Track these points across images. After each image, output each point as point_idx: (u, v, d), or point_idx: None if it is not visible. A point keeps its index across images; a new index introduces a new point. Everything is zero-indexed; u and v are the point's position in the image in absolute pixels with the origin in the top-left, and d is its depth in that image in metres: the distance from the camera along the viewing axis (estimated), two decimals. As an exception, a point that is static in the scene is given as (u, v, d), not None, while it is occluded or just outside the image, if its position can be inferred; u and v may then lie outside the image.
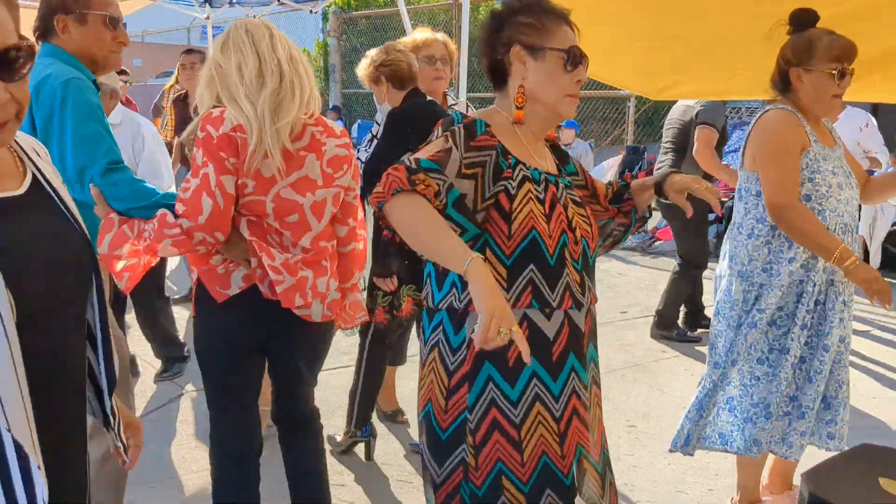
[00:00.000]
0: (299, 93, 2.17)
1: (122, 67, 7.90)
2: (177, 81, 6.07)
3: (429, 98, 3.23)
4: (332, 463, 3.33)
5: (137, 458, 1.53)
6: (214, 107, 2.18)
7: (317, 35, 15.18)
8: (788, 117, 2.48)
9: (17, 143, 1.27)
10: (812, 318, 2.52)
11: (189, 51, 5.65)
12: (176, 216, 2.08)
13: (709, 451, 3.44)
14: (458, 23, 9.30)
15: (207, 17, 8.18)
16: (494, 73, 1.80)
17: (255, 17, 7.94)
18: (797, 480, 2.82)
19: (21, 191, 1.21)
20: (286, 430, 2.53)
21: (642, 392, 4.16)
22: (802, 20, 2.48)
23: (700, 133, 4.58)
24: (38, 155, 1.33)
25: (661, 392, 4.17)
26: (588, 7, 2.73)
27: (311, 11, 7.18)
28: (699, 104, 4.66)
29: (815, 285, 2.50)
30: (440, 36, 3.40)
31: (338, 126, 2.35)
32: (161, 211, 2.09)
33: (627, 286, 5.65)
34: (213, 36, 8.64)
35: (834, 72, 2.41)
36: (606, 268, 7.16)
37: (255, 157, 2.10)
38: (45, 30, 2.28)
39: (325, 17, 14.06)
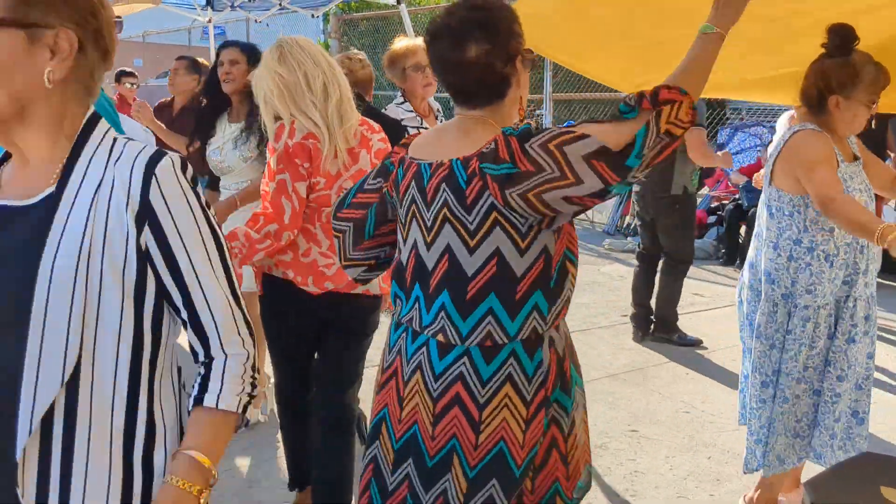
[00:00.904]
0: (351, 101, 2.52)
1: (127, 69, 7.89)
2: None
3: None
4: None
5: None
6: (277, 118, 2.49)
7: (318, 36, 15.20)
8: (820, 136, 2.50)
9: (85, 146, 1.16)
10: (851, 332, 2.58)
11: (179, 57, 5.39)
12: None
13: (710, 457, 3.46)
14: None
15: (209, 20, 8.19)
16: (495, 87, 1.72)
17: (256, 20, 7.97)
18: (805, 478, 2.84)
19: (27, 202, 1.12)
20: (321, 426, 2.66)
21: (643, 396, 4.17)
22: (844, 43, 2.42)
23: (693, 135, 4.62)
24: (134, 173, 1.13)
25: (663, 396, 4.18)
26: (576, 10, 2.73)
27: (312, 16, 7.18)
28: None
29: (855, 301, 2.55)
30: (421, 42, 3.48)
31: (375, 124, 2.68)
32: (243, 230, 2.37)
33: (628, 289, 5.65)
34: (215, 37, 8.66)
35: (872, 103, 2.45)
36: (608, 271, 7.17)
37: (329, 157, 2.43)
38: None
39: (325, 19, 14.07)
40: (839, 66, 2.43)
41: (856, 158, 2.61)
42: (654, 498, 3.13)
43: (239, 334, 1.22)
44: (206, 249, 1.19)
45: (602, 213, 9.18)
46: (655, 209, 4.98)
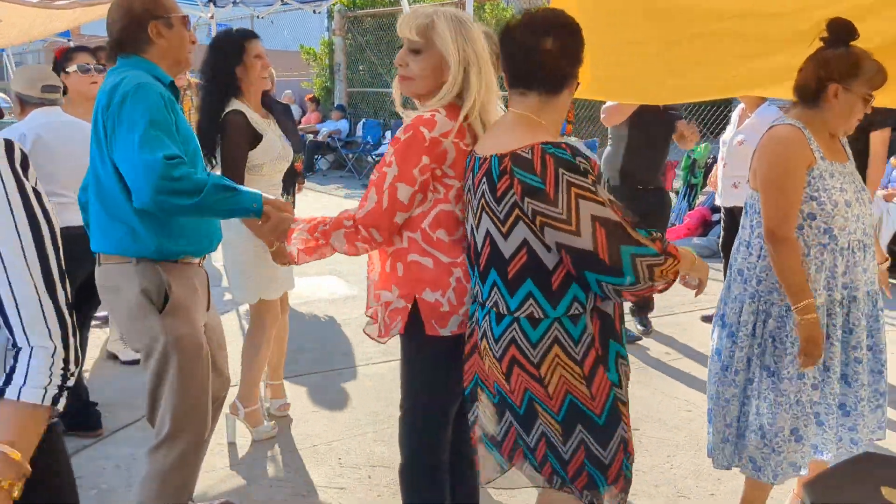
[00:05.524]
0: None
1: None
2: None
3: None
4: (333, 466, 3.33)
5: None
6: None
7: (322, 33, 15.17)
8: (793, 136, 2.43)
9: None
10: (842, 332, 2.51)
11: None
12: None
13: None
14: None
15: (211, 17, 8.18)
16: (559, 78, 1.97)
17: (259, 16, 7.96)
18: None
19: None
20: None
21: (646, 395, 4.15)
22: (842, 34, 2.41)
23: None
24: None
25: (665, 395, 4.16)
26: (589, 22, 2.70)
27: (314, 11, 7.17)
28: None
29: (840, 303, 2.47)
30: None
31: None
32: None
33: (631, 287, 5.67)
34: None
35: (869, 98, 2.40)
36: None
37: None
38: (133, 39, 2.34)
39: (330, 16, 14.05)
40: (841, 55, 2.39)
41: (847, 161, 2.53)
42: (654, 496, 3.12)
43: (46, 325, 1.24)
44: (18, 239, 1.21)
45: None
46: (648, 202, 4.78)
